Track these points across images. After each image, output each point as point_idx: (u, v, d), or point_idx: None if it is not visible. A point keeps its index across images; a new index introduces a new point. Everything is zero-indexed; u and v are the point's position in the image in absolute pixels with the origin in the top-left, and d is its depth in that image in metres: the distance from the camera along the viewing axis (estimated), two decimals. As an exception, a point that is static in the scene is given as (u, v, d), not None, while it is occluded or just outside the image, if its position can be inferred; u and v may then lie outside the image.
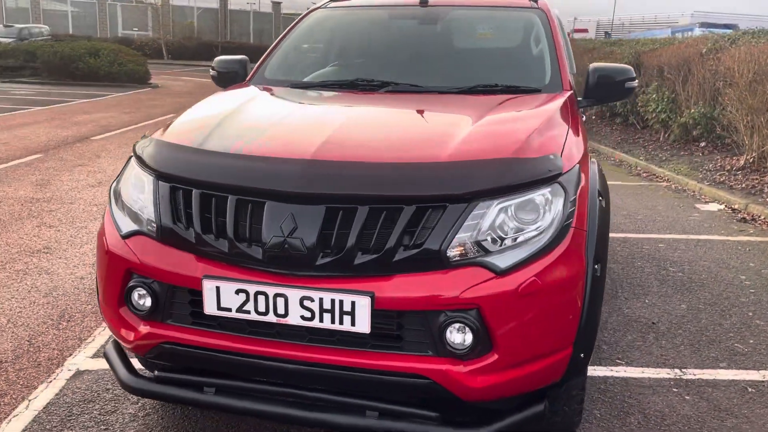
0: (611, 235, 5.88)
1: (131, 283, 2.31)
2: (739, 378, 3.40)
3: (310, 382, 2.22)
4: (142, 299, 2.30)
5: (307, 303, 2.09)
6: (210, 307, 2.17)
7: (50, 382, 3.17)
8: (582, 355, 2.30)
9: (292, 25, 3.94)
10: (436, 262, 2.07)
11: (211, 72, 3.83)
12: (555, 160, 2.29)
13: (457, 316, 2.05)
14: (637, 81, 3.38)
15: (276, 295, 2.11)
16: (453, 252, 2.07)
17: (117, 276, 2.35)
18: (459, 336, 2.08)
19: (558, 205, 2.22)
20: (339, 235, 2.08)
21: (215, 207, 2.20)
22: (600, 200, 2.45)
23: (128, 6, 41.31)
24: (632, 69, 3.35)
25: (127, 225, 2.39)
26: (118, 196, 2.51)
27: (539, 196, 2.21)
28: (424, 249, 2.06)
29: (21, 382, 3.15)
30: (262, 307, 2.13)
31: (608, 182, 3.09)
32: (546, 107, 2.85)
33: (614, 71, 3.26)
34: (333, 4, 4.02)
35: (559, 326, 2.21)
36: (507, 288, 2.07)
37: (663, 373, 3.42)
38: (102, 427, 2.81)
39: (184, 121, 2.74)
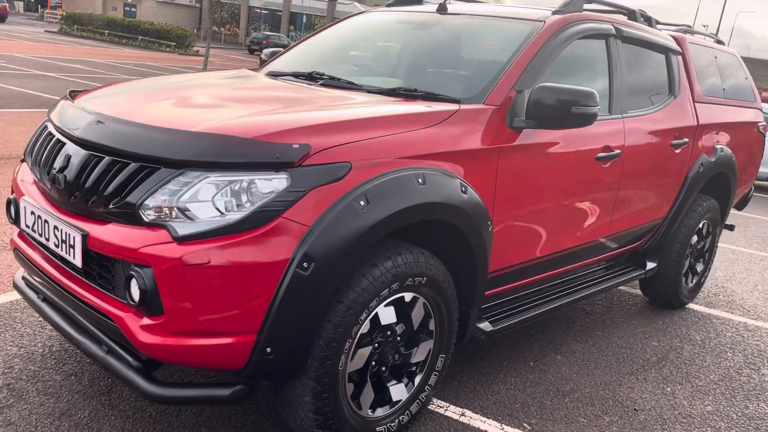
0: (719, 313, 4.75)
1: (9, 197, 2.92)
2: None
3: (70, 305, 2.57)
4: (12, 211, 2.89)
5: (56, 232, 2.45)
6: (22, 223, 2.67)
7: (55, 283, 3.99)
8: (269, 350, 2.21)
9: (323, 26, 4.21)
10: (132, 216, 2.24)
11: (259, 61, 4.33)
12: (296, 149, 2.24)
13: (135, 270, 2.19)
14: (596, 108, 2.86)
15: (45, 221, 2.51)
16: (147, 210, 2.21)
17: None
18: (136, 290, 2.21)
19: (277, 192, 2.19)
20: (85, 178, 2.39)
21: (46, 141, 2.69)
22: (362, 205, 2.27)
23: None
24: (593, 93, 2.84)
25: (29, 154, 3.02)
26: (41, 133, 3.15)
27: (262, 179, 2.21)
28: (126, 202, 2.25)
29: (40, 278, 4.05)
30: (40, 230, 2.55)
31: None
32: (406, 110, 2.70)
33: (562, 93, 2.81)
34: (374, 9, 4.16)
35: (236, 308, 2.17)
36: (174, 254, 2.13)
37: (557, 454, 2.85)
38: (40, 319, 3.52)
39: (112, 86, 3.27)
